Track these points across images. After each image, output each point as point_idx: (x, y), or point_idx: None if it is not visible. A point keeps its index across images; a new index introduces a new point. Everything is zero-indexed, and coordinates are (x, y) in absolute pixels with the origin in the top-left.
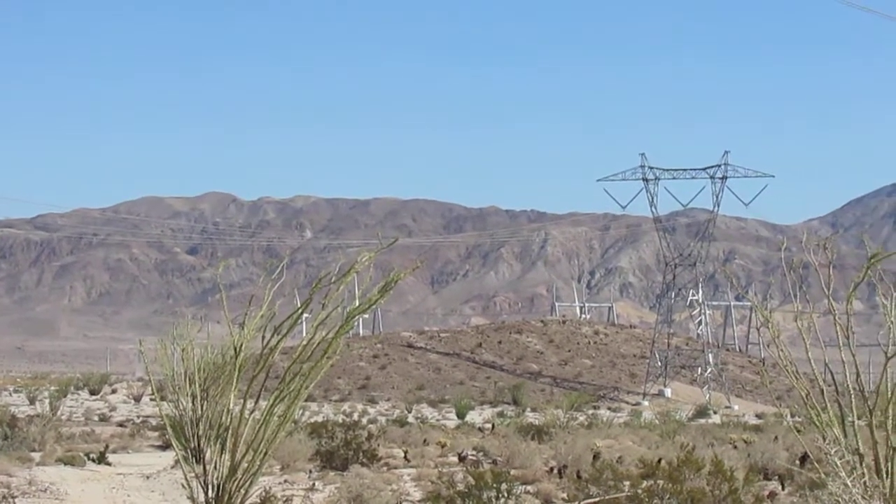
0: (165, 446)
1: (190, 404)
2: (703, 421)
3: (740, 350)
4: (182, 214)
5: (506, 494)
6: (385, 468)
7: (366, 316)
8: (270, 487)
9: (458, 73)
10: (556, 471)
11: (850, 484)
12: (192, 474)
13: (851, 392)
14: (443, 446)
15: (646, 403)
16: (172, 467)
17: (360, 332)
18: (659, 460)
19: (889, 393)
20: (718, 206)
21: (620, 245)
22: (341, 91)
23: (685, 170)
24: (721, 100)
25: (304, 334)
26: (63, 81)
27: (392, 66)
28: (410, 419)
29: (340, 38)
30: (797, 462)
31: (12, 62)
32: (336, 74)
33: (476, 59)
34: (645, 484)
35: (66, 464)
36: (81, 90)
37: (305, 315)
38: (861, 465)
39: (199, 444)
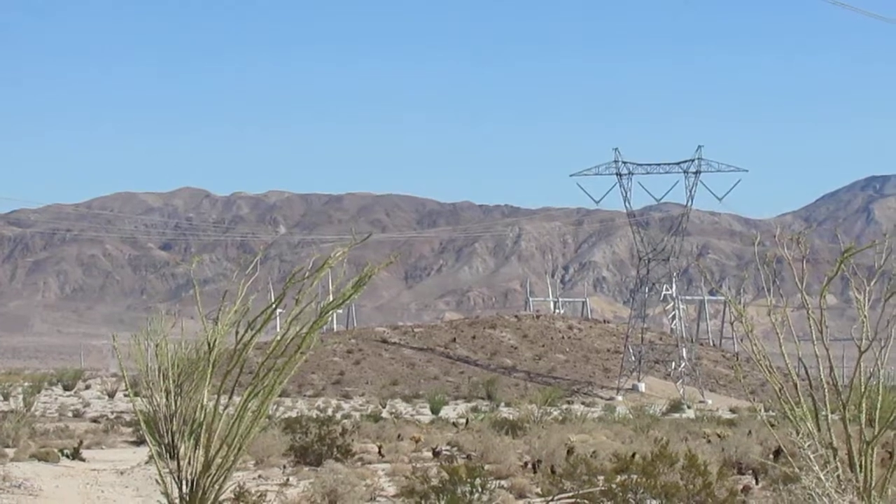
0: (139, 442)
1: (164, 400)
2: (676, 415)
3: (714, 344)
4: (155, 210)
5: (480, 489)
6: (359, 463)
7: (340, 311)
8: (244, 483)
9: (432, 68)
10: (530, 466)
11: (823, 478)
12: (167, 470)
13: (825, 386)
14: (417, 441)
15: (620, 398)
16: (146, 463)
17: (335, 327)
18: (633, 455)
19: (862, 387)
20: (692, 201)
21: (594, 240)
22: (315, 86)
23: (658, 164)
24: (694, 95)
25: (278, 329)
26: (37, 77)
27: (367, 62)
28: (385, 414)
29: (315, 33)
30: (771, 456)
31: None
32: (310, 70)
33: (451, 54)
34: (619, 478)
35: (40, 460)
36: (55, 86)
37: (279, 310)
38: (835, 458)
39: (172, 440)
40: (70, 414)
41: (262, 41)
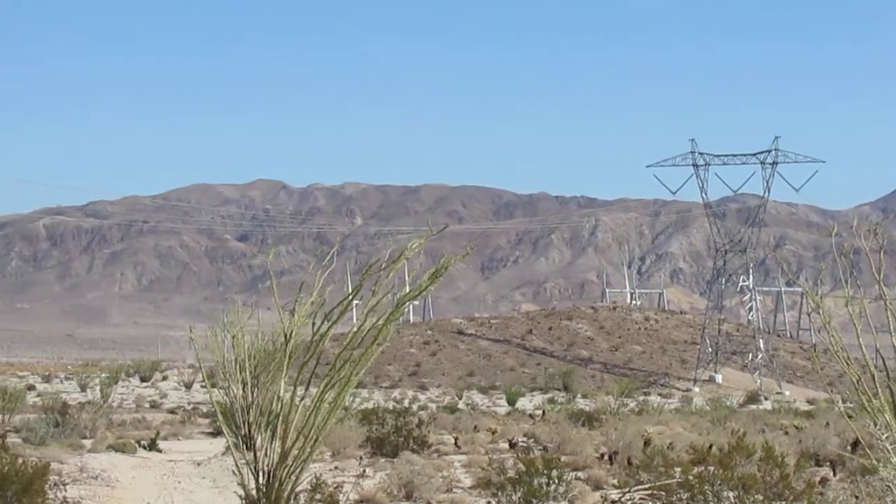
0: (216, 433)
1: (240, 391)
2: (753, 407)
3: (791, 336)
4: (232, 201)
5: (556, 481)
6: (435, 455)
7: (416, 302)
8: (321, 474)
9: (510, 59)
10: (606, 457)
11: None
12: (243, 461)
13: None
14: (493, 433)
15: (696, 389)
16: (223, 454)
17: (411, 318)
18: (710, 446)
19: None
20: (769, 192)
21: (671, 231)
22: (392, 76)
23: (735, 155)
24: (771, 85)
25: (355, 321)
26: (114, 69)
27: (443, 51)
28: (461, 406)
29: (392, 21)
30: (848, 448)
31: (64, 49)
32: (386, 59)
33: (530, 44)
34: (696, 470)
35: (117, 451)
36: (133, 78)
37: (356, 302)
38: None
39: (249, 431)
40: (147, 405)
41: (340, 31)
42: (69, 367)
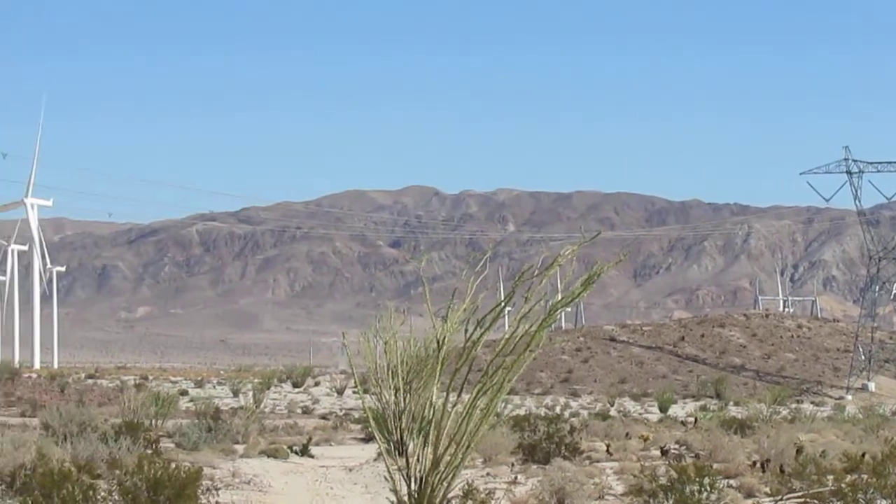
0: (368, 439)
1: (392, 397)
2: None
3: None
4: (385, 208)
5: (708, 488)
6: (587, 462)
7: (568, 309)
8: (473, 480)
9: (663, 67)
10: (758, 465)
11: None
12: (395, 467)
13: None
14: (645, 440)
15: (849, 397)
16: (375, 460)
17: (563, 325)
18: (863, 455)
19: None
20: None
21: (824, 238)
22: (543, 83)
23: (890, 162)
24: None
25: (507, 327)
26: (273, 73)
27: (595, 59)
28: (613, 413)
29: (540, 28)
30: None
31: (218, 54)
32: (537, 67)
33: (681, 51)
34: (849, 478)
35: (269, 456)
36: (286, 84)
37: (508, 308)
38: None
39: (401, 437)
40: (299, 410)
41: (485, 36)
42: (222, 372)
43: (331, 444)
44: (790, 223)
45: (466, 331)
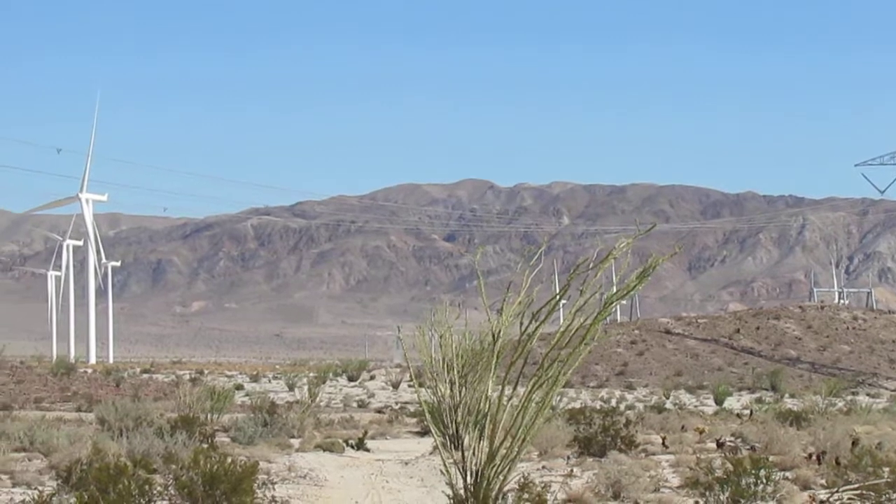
0: (423, 432)
1: (448, 391)
2: None
3: None
4: (439, 201)
5: (764, 481)
6: (643, 454)
7: (623, 302)
8: (528, 474)
9: (714, 56)
10: (814, 457)
11: None
12: (451, 460)
13: None
14: (701, 433)
15: None
16: (431, 453)
17: (618, 318)
18: None
19: None
20: None
21: (879, 230)
22: (598, 76)
23: None
24: None
25: (562, 320)
26: (341, 68)
27: (650, 52)
28: (668, 405)
29: (594, 21)
30: None
31: (263, 53)
32: (592, 60)
33: (727, 46)
34: None
35: (324, 450)
36: (339, 78)
37: (563, 301)
38: None
39: (457, 431)
40: (354, 404)
41: (542, 31)
42: (277, 366)
43: (386, 438)
44: (845, 215)
45: (522, 324)
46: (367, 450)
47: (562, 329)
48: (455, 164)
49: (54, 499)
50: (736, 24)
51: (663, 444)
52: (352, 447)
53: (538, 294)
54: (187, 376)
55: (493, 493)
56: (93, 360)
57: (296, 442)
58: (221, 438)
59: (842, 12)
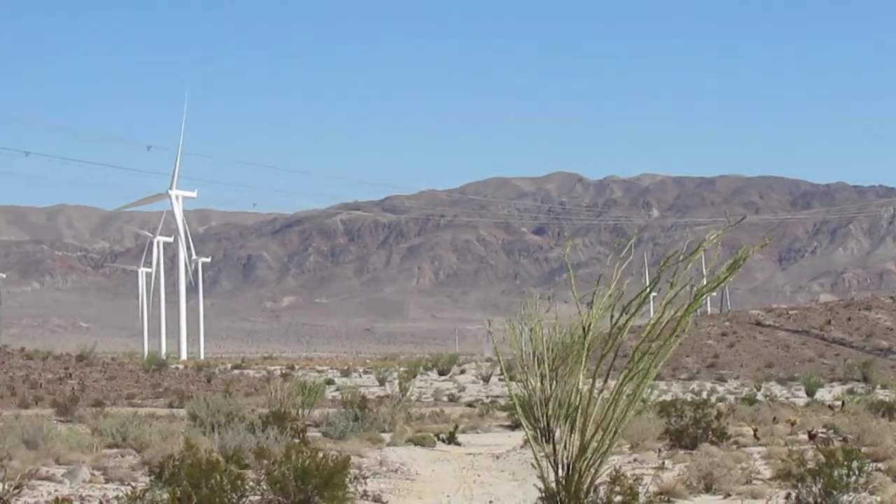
0: (514, 426)
1: (539, 384)
2: None
3: None
4: (528, 194)
5: (857, 472)
6: (734, 446)
7: (714, 294)
8: (620, 466)
9: (804, 47)
10: None
11: None
12: (542, 454)
13: None
14: (792, 424)
15: None
16: (522, 447)
17: (709, 310)
18: None
19: None
20: None
21: None
22: (686, 69)
23: None
24: None
25: (653, 313)
26: (409, 66)
27: (738, 42)
28: (759, 397)
29: (681, 14)
30: None
31: (347, 49)
32: (679, 53)
33: (833, 35)
34: None
35: (416, 444)
36: (431, 75)
37: (653, 294)
38: None
39: (548, 424)
40: (445, 398)
41: (632, 22)
42: (367, 361)
43: (477, 432)
44: None
45: (612, 317)
46: (458, 444)
47: (652, 321)
48: (544, 157)
49: (147, 494)
50: (819, 15)
51: (755, 435)
52: (443, 441)
53: (628, 287)
54: (278, 372)
55: (585, 486)
56: (184, 356)
57: (387, 436)
58: (313, 433)
59: None
